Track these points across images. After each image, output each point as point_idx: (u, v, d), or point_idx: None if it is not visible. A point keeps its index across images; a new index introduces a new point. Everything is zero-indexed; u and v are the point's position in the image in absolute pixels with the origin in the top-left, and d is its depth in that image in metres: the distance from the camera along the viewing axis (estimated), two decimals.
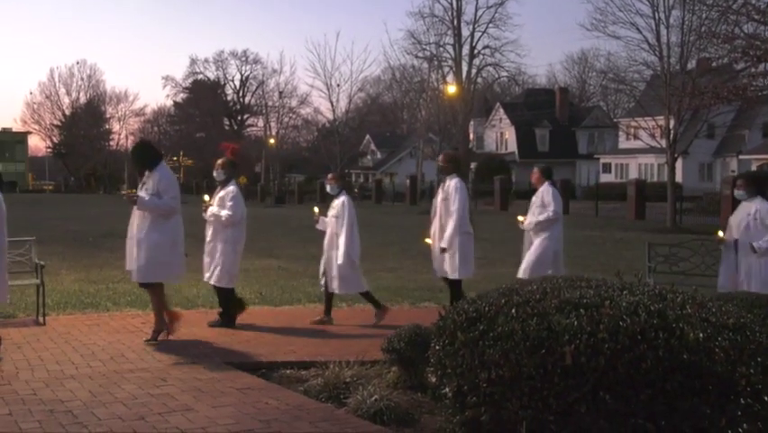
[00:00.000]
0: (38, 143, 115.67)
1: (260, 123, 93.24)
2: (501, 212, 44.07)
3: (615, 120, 65.79)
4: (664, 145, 34.04)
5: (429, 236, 10.67)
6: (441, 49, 62.60)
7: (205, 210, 10.09)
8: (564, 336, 4.91)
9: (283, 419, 6.07)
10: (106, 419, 6.06)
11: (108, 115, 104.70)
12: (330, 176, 10.83)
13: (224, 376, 7.41)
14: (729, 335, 5.00)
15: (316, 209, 10.94)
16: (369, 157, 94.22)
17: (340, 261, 10.13)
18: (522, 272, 10.65)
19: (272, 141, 72.26)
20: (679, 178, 36.80)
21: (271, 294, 12.55)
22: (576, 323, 4.96)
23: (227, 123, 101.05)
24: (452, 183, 10.30)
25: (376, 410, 6.11)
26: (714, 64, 32.23)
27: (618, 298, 5.24)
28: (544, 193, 10.78)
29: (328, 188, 10.68)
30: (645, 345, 4.81)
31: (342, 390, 6.74)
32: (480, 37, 62.64)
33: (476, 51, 62.66)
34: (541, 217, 10.69)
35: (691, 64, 33.79)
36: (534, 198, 10.96)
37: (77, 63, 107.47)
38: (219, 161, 10.23)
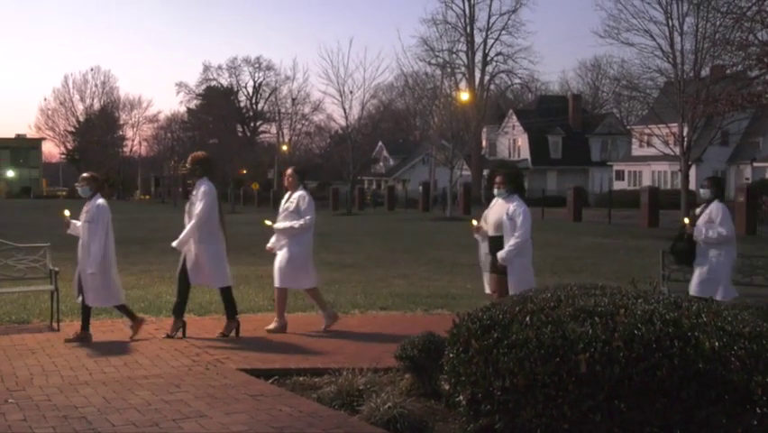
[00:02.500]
0: (52, 149, 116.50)
1: (273, 129, 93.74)
2: None
3: (628, 127, 65.59)
4: (678, 153, 33.96)
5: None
6: (454, 55, 62.85)
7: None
8: (579, 344, 4.89)
9: (296, 427, 6.06)
10: (120, 426, 6.07)
11: (122, 122, 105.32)
12: (83, 176, 9.95)
13: (238, 383, 7.41)
14: (745, 343, 4.97)
15: (67, 212, 10.04)
16: (381, 164, 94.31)
17: (91, 270, 9.33)
18: (281, 282, 10.16)
19: (285, 147, 72.50)
20: (692, 185, 36.65)
21: None
22: (591, 331, 4.94)
23: (240, 129, 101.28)
24: (201, 187, 9.76)
25: (389, 418, 6.09)
26: (728, 71, 32.15)
27: (633, 306, 5.22)
28: (300, 199, 10.19)
29: (80, 191, 9.85)
30: (660, 354, 4.79)
31: (355, 397, 6.73)
32: (492, 44, 62.88)
33: (489, 58, 62.82)
34: (296, 224, 10.10)
35: (705, 71, 33.72)
36: (285, 203, 10.36)
37: (92, 70, 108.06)
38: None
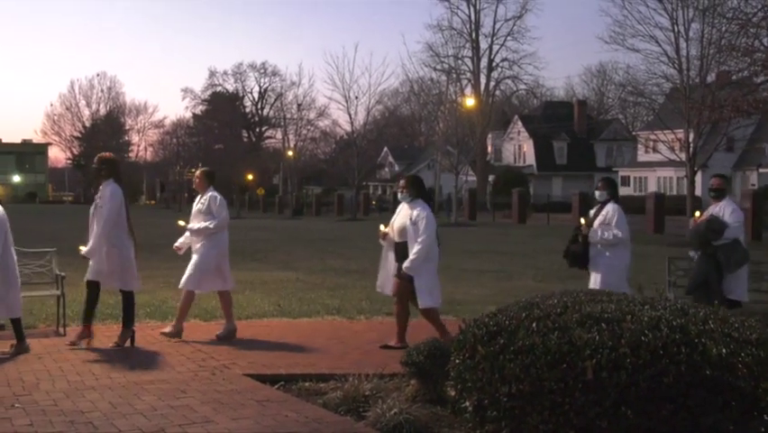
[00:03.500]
0: (58, 155, 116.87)
1: (279, 135, 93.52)
2: (519, 224, 44.04)
3: (633, 133, 65.63)
4: (684, 158, 33.93)
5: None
6: (459, 61, 62.83)
7: None
8: (586, 350, 4.89)
9: (302, 432, 6.06)
10: (127, 431, 6.07)
11: (128, 127, 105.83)
12: None
13: (244, 388, 7.41)
14: (752, 350, 4.96)
15: None
16: (386, 169, 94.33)
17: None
18: (185, 283, 9.98)
19: (290, 153, 72.41)
20: (698, 191, 36.57)
21: (290, 306, 12.56)
22: (597, 337, 4.94)
23: (246, 135, 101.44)
24: (107, 189, 9.49)
25: (395, 424, 6.08)
26: (734, 77, 32.13)
27: (640, 312, 5.21)
28: (211, 200, 10.00)
29: None
30: (667, 361, 4.78)
31: (361, 403, 6.72)
32: (498, 50, 62.88)
33: (494, 64, 62.84)
34: (210, 224, 9.91)
35: (711, 77, 33.69)
36: (197, 205, 10.17)
37: (98, 75, 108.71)
38: None
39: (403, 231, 9.19)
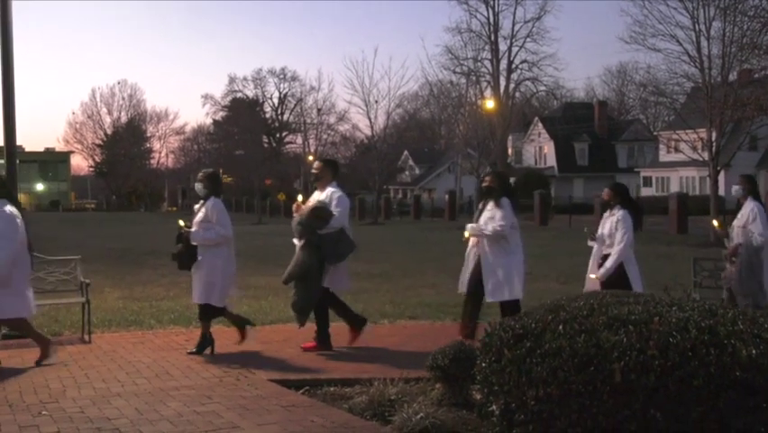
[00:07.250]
0: (80, 162, 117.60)
1: (299, 140, 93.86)
2: (541, 226, 43.87)
3: (655, 133, 65.12)
4: (706, 158, 33.66)
5: None
6: (478, 64, 62.57)
7: None
8: (613, 352, 4.85)
9: None
10: None
11: (149, 134, 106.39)
12: None
13: (269, 393, 7.42)
14: None
15: None
16: (407, 173, 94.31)
17: None
18: None
19: (311, 157, 72.53)
20: (721, 191, 36.25)
21: None
22: (625, 340, 4.90)
23: (266, 140, 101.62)
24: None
25: (421, 428, 6.07)
26: (756, 75, 31.89)
27: (668, 314, 5.17)
28: None
29: None
30: (696, 362, 4.74)
31: (386, 407, 6.71)
32: (517, 51, 62.53)
33: (514, 66, 62.52)
34: None
35: (733, 76, 33.40)
36: None
37: (119, 83, 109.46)
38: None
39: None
